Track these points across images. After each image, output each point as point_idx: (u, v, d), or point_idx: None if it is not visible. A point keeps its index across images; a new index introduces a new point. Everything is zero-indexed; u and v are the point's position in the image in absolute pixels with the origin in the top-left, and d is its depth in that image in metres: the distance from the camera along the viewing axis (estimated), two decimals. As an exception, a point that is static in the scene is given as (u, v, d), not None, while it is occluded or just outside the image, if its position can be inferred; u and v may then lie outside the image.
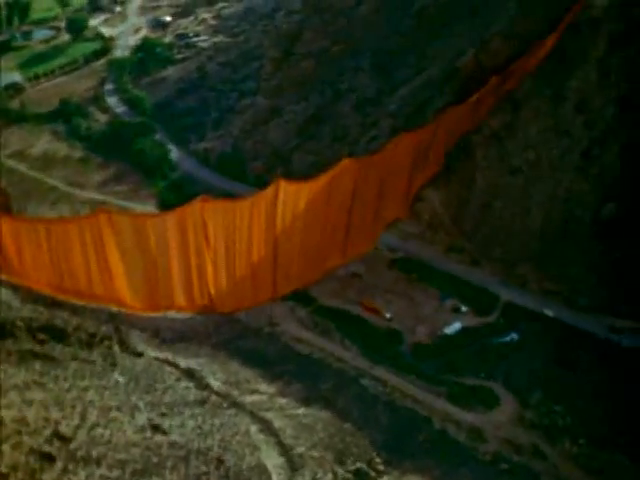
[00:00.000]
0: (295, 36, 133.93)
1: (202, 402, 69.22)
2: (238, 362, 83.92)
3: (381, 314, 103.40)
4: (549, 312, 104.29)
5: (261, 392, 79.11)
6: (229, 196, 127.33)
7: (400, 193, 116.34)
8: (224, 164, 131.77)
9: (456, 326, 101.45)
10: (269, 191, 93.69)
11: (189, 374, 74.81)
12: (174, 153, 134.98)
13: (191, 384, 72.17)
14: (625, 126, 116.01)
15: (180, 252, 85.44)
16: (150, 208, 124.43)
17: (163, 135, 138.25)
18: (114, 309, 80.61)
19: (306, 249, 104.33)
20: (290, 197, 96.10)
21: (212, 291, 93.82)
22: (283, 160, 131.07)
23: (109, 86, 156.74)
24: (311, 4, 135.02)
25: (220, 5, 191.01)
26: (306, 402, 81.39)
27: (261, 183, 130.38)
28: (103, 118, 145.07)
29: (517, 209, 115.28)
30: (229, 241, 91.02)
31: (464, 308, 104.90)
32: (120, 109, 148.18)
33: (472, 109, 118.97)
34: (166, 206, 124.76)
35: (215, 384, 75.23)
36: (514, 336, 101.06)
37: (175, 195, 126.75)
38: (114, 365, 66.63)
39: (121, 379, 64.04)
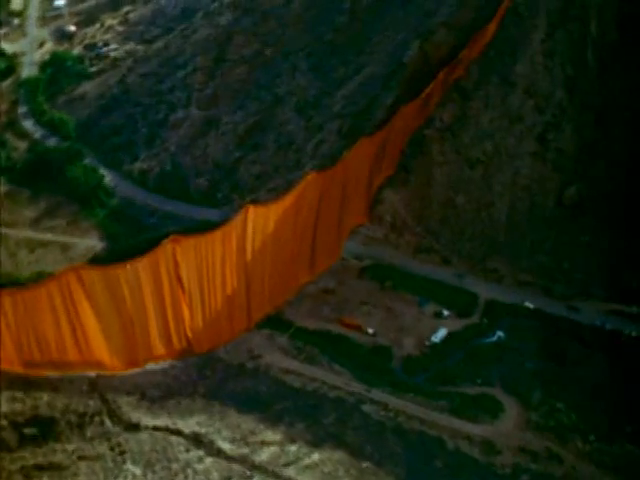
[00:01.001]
0: (225, 41, 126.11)
1: (228, 478, 63.14)
2: (235, 410, 78.00)
3: (363, 330, 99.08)
4: (529, 305, 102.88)
5: (270, 443, 73.53)
6: (175, 218, 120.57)
7: (361, 198, 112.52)
8: (164, 184, 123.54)
9: (442, 333, 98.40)
10: (238, 219, 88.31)
11: (196, 440, 68.40)
12: (109, 177, 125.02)
13: (202, 452, 65.68)
14: (575, 107, 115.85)
15: (155, 299, 79.18)
16: (94, 241, 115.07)
17: (93, 159, 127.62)
18: (92, 375, 73.12)
19: (276, 270, 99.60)
20: (259, 221, 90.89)
21: (189, 333, 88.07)
22: (227, 173, 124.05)
23: (23, 109, 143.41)
24: (237, 4, 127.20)
25: (125, 9, 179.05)
26: (316, 444, 76.95)
27: (206, 200, 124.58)
28: (22, 145, 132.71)
29: (480, 202, 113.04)
30: (203, 279, 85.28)
31: (446, 312, 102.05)
32: (39, 133, 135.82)
33: (423, 104, 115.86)
34: (111, 237, 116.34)
35: (225, 447, 69.16)
36: (500, 334, 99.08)
37: (118, 224, 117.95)
38: (123, 454, 59.25)
39: (137, 470, 56.89)
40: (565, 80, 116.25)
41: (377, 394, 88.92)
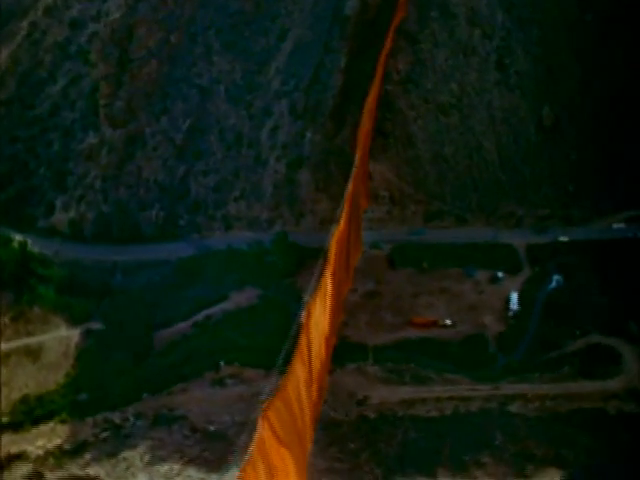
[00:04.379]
0: (125, 37, 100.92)
1: None
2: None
3: (440, 323, 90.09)
4: (564, 238, 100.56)
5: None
6: (143, 266, 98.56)
7: (365, 181, 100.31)
8: (107, 229, 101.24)
9: (514, 298, 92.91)
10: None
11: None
12: (30, 243, 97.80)
13: None
14: (518, 25, 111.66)
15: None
16: (62, 331, 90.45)
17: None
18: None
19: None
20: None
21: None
22: (178, 194, 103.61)
23: None
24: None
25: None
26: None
27: (166, 234, 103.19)
28: None
29: (468, 147, 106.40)
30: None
31: (500, 274, 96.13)
32: None
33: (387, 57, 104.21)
34: (78, 316, 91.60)
35: None
36: (557, 278, 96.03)
37: (80, 298, 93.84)
38: None
39: None
40: (500, 0, 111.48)
41: (506, 388, 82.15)
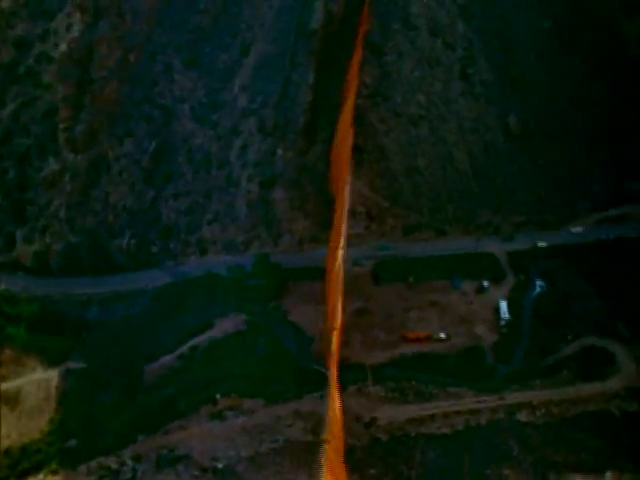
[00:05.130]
0: (85, 56, 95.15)
1: None
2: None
3: (434, 337, 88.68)
4: (542, 243, 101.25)
5: None
6: (118, 298, 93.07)
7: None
8: (75, 260, 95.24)
9: (504, 306, 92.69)
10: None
11: None
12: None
13: None
14: (479, 35, 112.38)
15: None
16: (39, 373, 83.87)
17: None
18: None
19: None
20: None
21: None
22: (149, 219, 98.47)
23: None
24: (85, 6, 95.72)
25: None
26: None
27: (139, 261, 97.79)
28: None
29: (440, 158, 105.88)
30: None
31: (485, 283, 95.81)
32: None
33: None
34: (54, 355, 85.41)
35: None
36: (540, 284, 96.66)
37: (53, 337, 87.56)
38: None
39: None
40: (459, 10, 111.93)
41: (510, 397, 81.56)
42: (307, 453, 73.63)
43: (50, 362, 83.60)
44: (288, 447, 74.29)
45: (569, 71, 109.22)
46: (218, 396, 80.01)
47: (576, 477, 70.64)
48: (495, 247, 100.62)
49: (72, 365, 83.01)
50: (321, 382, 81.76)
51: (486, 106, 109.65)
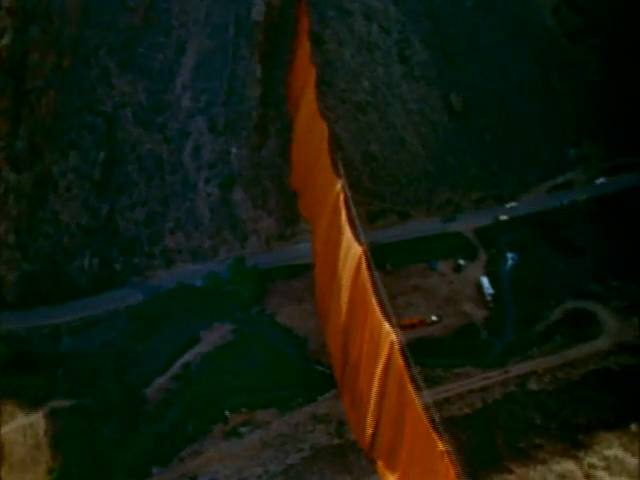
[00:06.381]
0: (18, 66, 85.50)
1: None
2: None
3: (427, 321, 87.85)
4: (504, 217, 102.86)
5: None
6: (92, 324, 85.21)
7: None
8: (34, 288, 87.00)
9: (486, 282, 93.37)
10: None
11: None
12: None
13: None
14: (411, 17, 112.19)
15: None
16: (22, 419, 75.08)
17: None
18: None
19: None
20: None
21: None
22: (107, 236, 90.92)
23: None
24: (14, 10, 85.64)
25: None
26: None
27: (104, 282, 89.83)
28: None
29: (392, 143, 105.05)
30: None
31: (461, 261, 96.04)
32: None
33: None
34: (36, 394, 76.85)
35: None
36: (512, 256, 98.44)
37: (25, 376, 78.67)
38: None
39: None
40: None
41: (516, 369, 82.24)
42: (339, 456, 70.80)
43: (29, 405, 74.80)
44: (317, 454, 70.71)
45: (494, 45, 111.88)
46: (227, 413, 74.97)
47: (605, 435, 71.94)
48: (457, 225, 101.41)
49: (57, 404, 74.67)
50: (328, 382, 79.59)
51: (427, 87, 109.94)
